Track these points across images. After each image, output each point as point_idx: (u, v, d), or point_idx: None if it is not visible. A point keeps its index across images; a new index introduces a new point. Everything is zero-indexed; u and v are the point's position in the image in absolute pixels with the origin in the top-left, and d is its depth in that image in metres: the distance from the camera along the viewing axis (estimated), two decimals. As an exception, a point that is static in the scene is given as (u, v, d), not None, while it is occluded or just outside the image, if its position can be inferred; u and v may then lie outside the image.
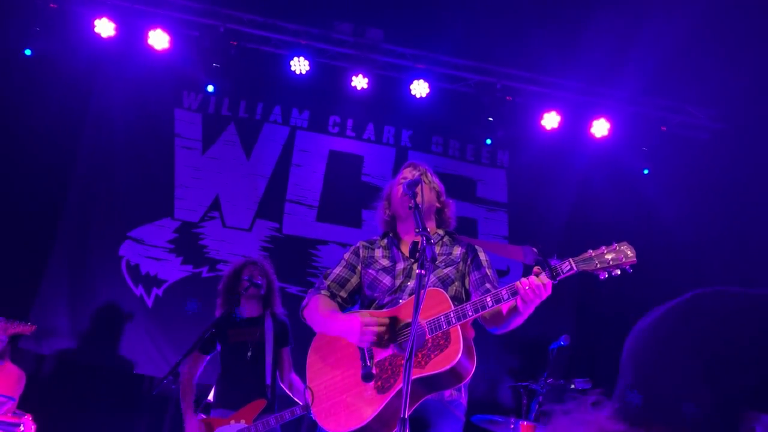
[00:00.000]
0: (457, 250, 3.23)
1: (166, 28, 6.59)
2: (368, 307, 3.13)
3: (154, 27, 6.56)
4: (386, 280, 3.15)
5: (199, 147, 7.10)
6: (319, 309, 3.09)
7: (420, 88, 7.02)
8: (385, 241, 3.32)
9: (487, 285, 3.11)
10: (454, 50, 6.92)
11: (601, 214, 7.45)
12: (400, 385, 2.57)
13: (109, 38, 6.55)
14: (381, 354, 2.86)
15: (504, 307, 2.86)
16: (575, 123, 7.32)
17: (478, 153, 7.64)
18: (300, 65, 6.87)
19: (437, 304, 2.82)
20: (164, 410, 5.67)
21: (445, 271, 3.15)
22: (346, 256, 3.31)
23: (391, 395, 2.73)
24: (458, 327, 2.74)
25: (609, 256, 2.69)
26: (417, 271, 2.64)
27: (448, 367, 2.66)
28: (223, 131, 7.17)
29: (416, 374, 2.68)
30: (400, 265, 3.17)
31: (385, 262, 3.21)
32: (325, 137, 7.39)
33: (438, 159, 7.52)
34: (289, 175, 7.24)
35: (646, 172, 7.58)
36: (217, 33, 6.74)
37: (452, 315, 2.74)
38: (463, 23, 6.47)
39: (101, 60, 6.77)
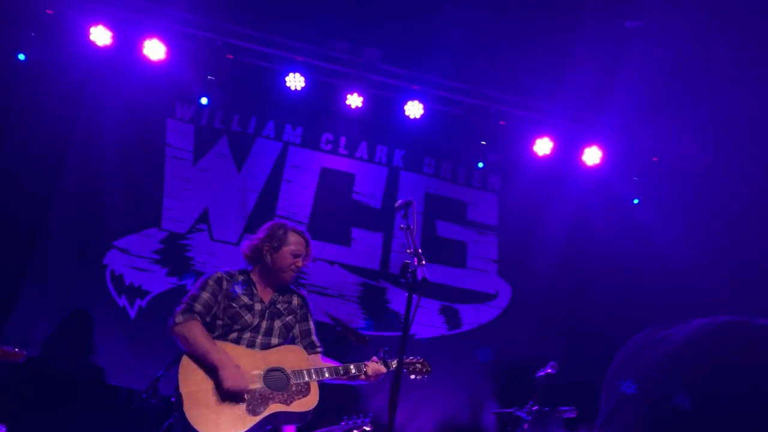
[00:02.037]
0: (296, 300, 3.98)
1: (163, 39, 6.57)
2: (224, 331, 3.72)
3: (151, 37, 6.53)
4: (247, 316, 3.74)
5: (190, 158, 7.04)
6: (200, 337, 3.55)
7: (414, 109, 7.02)
8: (243, 278, 3.85)
9: (312, 338, 3.99)
10: (450, 73, 6.95)
11: (594, 241, 7.46)
12: (268, 413, 3.46)
13: (105, 46, 6.51)
14: (252, 385, 3.53)
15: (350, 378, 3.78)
16: (568, 150, 7.35)
17: (470, 176, 7.64)
18: (295, 81, 6.86)
19: (298, 359, 3.68)
20: (142, 424, 5.57)
21: (287, 319, 3.90)
22: (211, 283, 3.78)
23: (261, 418, 3.47)
24: (316, 382, 3.64)
25: (418, 365, 3.99)
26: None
27: (307, 410, 3.58)
28: (215, 144, 7.12)
29: (280, 408, 3.52)
30: (258, 306, 3.79)
31: (246, 300, 3.78)
32: (318, 154, 7.37)
33: (429, 180, 7.52)
34: (279, 190, 7.19)
35: (636, 201, 7.61)
36: (213, 46, 6.72)
37: (313, 372, 3.62)
38: (458, 47, 6.49)
39: (95, 68, 6.72)
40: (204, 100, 6.97)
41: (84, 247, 6.59)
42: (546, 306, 7.45)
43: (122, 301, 6.58)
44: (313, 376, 3.62)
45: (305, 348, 3.91)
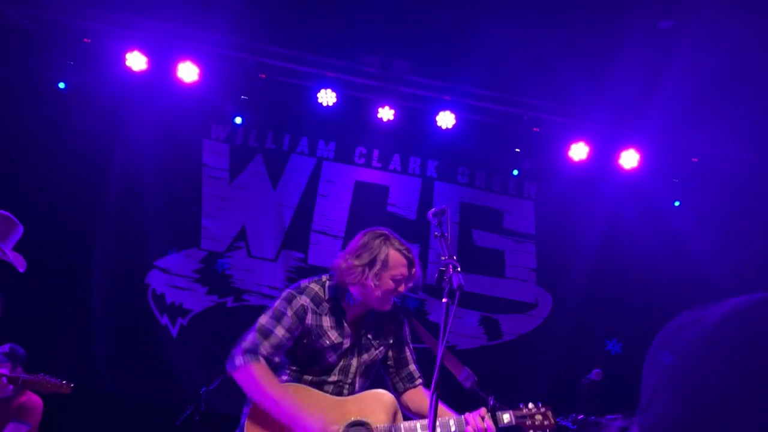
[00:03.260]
0: (389, 325, 3.26)
1: (196, 61, 6.69)
2: (303, 365, 3.08)
3: (184, 60, 6.66)
4: (332, 357, 3.08)
5: (227, 177, 7.15)
6: (269, 385, 2.91)
7: (446, 119, 7.01)
8: (332, 304, 3.12)
9: (410, 368, 3.32)
10: (480, 81, 6.92)
11: (631, 246, 7.33)
12: None
13: (140, 71, 6.66)
14: None
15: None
16: (604, 154, 7.24)
17: (505, 184, 7.59)
18: (327, 97, 6.92)
19: (387, 412, 3.04)
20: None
21: (376, 352, 3.22)
22: (290, 314, 3.03)
23: None
24: None
25: (538, 418, 3.14)
26: (444, 300, 2.59)
27: None
28: (251, 162, 7.22)
29: None
30: (346, 343, 3.11)
31: (334, 337, 3.08)
32: (351, 168, 7.40)
33: (464, 190, 7.48)
34: (315, 205, 7.25)
35: (677, 204, 7.47)
36: (245, 65, 6.83)
37: (402, 429, 2.97)
38: (489, 55, 6.47)
39: (132, 92, 6.87)
40: (238, 120, 7.08)
41: (126, 267, 6.74)
42: (587, 314, 7.34)
43: (164, 320, 6.69)
44: None
45: (402, 381, 3.29)
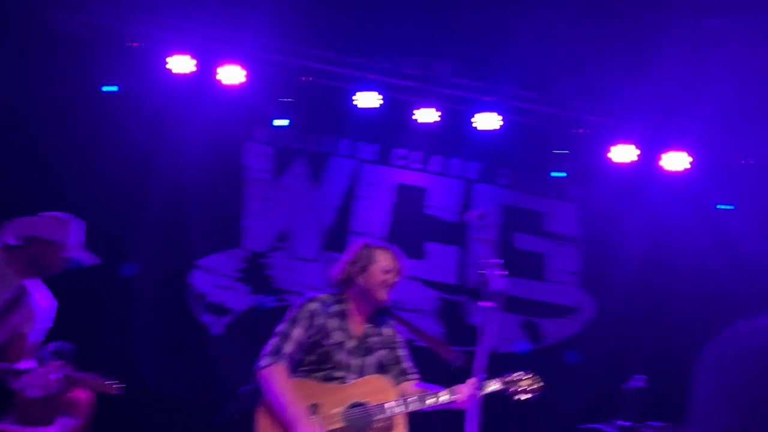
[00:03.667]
0: (388, 331, 3.64)
1: (239, 64, 6.78)
2: (313, 366, 3.43)
3: (228, 63, 6.75)
4: (337, 356, 3.43)
5: (270, 179, 7.24)
6: (280, 388, 3.30)
7: (488, 121, 6.95)
8: (338, 307, 3.52)
9: (402, 366, 3.62)
10: (522, 82, 6.85)
11: (679, 249, 7.17)
12: None
13: (185, 74, 6.78)
14: (331, 426, 3.28)
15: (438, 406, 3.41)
16: (648, 155, 7.09)
17: (546, 186, 7.49)
18: (368, 99, 6.94)
19: (382, 390, 3.36)
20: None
21: (381, 353, 3.55)
22: (303, 317, 3.45)
23: None
24: (401, 416, 3.32)
25: (525, 382, 3.44)
26: (485, 303, 2.86)
27: None
28: (293, 164, 7.30)
29: None
30: (351, 343, 3.47)
31: (338, 336, 3.45)
32: (392, 170, 7.42)
33: (504, 191, 7.42)
34: (355, 207, 7.29)
35: (728, 207, 7.26)
36: (288, 68, 6.90)
37: (394, 405, 3.30)
38: (531, 55, 6.41)
39: (176, 95, 7.00)
40: (281, 122, 7.15)
41: (169, 267, 6.87)
42: (631, 318, 7.19)
43: (206, 319, 6.80)
44: (396, 409, 3.30)
45: (397, 377, 3.58)
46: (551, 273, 7.31)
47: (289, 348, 3.37)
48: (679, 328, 7.11)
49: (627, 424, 4.74)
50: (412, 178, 7.41)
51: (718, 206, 7.25)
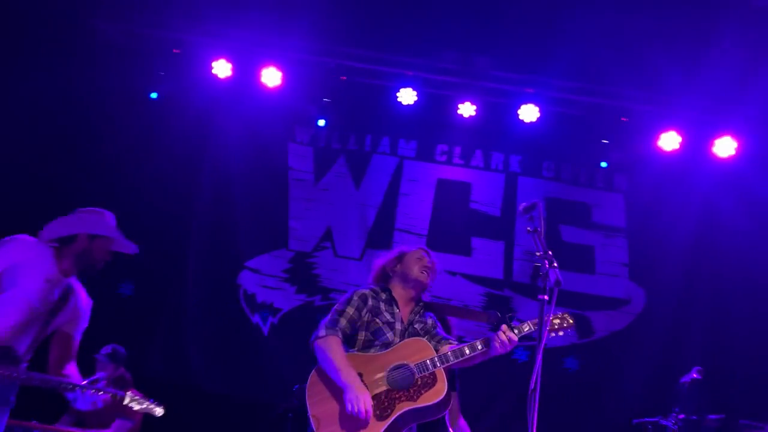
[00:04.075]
0: (429, 320, 3.81)
1: (279, 66, 6.84)
2: (365, 346, 3.63)
3: (267, 65, 6.82)
4: (389, 334, 3.64)
5: (312, 179, 7.28)
6: (335, 355, 3.50)
7: (529, 113, 6.87)
8: (386, 295, 3.79)
9: (440, 335, 3.76)
10: (564, 72, 6.74)
11: (731, 238, 6.97)
12: (396, 414, 3.37)
13: (226, 78, 6.87)
14: (376, 389, 3.43)
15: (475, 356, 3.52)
16: (697, 142, 6.92)
17: (593, 177, 7.37)
18: (407, 96, 6.92)
19: (421, 350, 3.52)
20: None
21: (424, 338, 3.68)
22: (356, 298, 3.70)
23: (390, 421, 3.38)
24: (442, 369, 3.44)
25: (555, 321, 3.50)
26: (539, 297, 2.83)
27: (436, 401, 3.39)
28: (334, 163, 7.33)
29: (408, 406, 3.39)
30: (398, 326, 3.69)
31: (388, 317, 3.69)
32: (433, 166, 7.39)
33: (549, 184, 7.32)
34: (397, 204, 7.29)
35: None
36: (326, 69, 6.93)
37: (437, 360, 3.45)
38: (572, 44, 6.30)
39: (219, 99, 7.10)
40: (321, 122, 7.20)
41: (218, 269, 6.99)
42: (683, 309, 7.02)
43: (256, 319, 6.89)
44: (437, 364, 3.45)
45: (439, 343, 3.74)
46: (601, 265, 7.19)
47: (343, 322, 3.62)
48: (731, 318, 6.93)
49: (688, 417, 4.63)
50: (454, 173, 7.36)
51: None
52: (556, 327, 3.50)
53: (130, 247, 3.57)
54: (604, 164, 7.20)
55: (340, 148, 7.38)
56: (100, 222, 3.50)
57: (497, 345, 3.41)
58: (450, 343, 3.70)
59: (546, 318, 2.72)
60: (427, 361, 3.46)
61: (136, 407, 3.33)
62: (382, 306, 3.72)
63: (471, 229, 7.24)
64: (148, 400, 3.37)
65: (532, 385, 2.49)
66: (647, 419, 5.04)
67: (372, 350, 3.62)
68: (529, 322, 3.45)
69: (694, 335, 6.96)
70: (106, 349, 5.67)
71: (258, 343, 6.86)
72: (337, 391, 3.42)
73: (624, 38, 6.17)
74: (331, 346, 3.53)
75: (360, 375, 3.46)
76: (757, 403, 6.09)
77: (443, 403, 3.44)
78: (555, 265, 2.67)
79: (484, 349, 3.45)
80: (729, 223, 6.99)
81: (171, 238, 6.96)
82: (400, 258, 3.88)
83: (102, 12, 6.69)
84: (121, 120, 6.95)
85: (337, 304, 3.74)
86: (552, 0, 6.15)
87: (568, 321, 3.54)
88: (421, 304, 3.86)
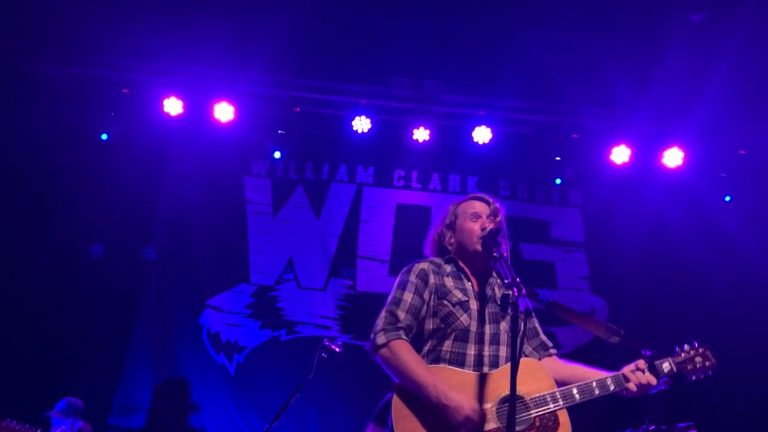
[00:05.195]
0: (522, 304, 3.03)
1: (231, 101, 6.80)
2: (437, 338, 2.93)
3: (219, 100, 6.78)
4: (463, 317, 2.94)
5: (270, 211, 7.22)
6: (411, 363, 2.79)
7: (482, 135, 6.97)
8: (451, 267, 3.07)
9: (541, 337, 3.15)
10: (515, 93, 6.86)
11: (681, 247, 7.14)
12: None
13: (178, 115, 6.80)
14: (486, 426, 2.72)
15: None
16: (647, 154, 7.10)
17: (549, 194, 7.49)
18: (361, 124, 6.96)
19: (537, 379, 2.78)
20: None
21: (505, 321, 3.02)
22: (413, 279, 3.00)
23: None
24: (565, 410, 2.77)
25: (698, 360, 2.99)
26: (507, 326, 2.68)
27: None
28: (292, 193, 7.29)
29: None
30: (474, 305, 2.97)
31: (460, 295, 2.97)
32: (392, 191, 7.41)
33: (507, 203, 7.37)
34: (359, 231, 7.26)
35: (727, 198, 7.27)
36: (280, 101, 6.92)
37: (559, 397, 2.75)
38: (521, 66, 6.43)
39: (172, 137, 7.03)
40: (277, 154, 7.17)
41: (180, 310, 6.85)
42: (646, 319, 7.13)
43: (221, 359, 6.75)
44: (560, 402, 2.76)
45: (537, 350, 3.11)
46: (562, 280, 7.28)
47: (403, 316, 2.90)
48: (691, 326, 7.06)
49: (658, 427, 4.68)
50: (413, 197, 7.40)
51: (726, 198, 7.25)
52: (698, 367, 2.98)
53: None
54: (558, 181, 7.32)
55: (298, 177, 7.34)
56: None
57: (633, 388, 2.86)
58: (551, 353, 3.10)
59: (516, 356, 2.40)
60: (547, 395, 2.78)
61: None
62: (449, 282, 3.00)
63: (433, 252, 7.25)
64: None
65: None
66: (618, 431, 5.06)
67: (448, 344, 2.91)
68: (669, 359, 2.96)
69: (659, 344, 7.07)
70: (60, 405, 5.47)
71: (225, 383, 6.71)
72: (431, 414, 2.71)
73: (573, 57, 6.32)
74: (401, 355, 2.80)
75: None
76: (724, 407, 6.21)
77: None
78: (524, 292, 2.48)
79: (615, 390, 2.86)
80: (680, 231, 7.16)
81: (129, 279, 6.81)
82: (451, 224, 3.15)
83: (45, 54, 6.57)
84: (72, 162, 6.81)
85: (390, 293, 3.02)
86: (500, 22, 6.26)
87: (711, 361, 3.01)
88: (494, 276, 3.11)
